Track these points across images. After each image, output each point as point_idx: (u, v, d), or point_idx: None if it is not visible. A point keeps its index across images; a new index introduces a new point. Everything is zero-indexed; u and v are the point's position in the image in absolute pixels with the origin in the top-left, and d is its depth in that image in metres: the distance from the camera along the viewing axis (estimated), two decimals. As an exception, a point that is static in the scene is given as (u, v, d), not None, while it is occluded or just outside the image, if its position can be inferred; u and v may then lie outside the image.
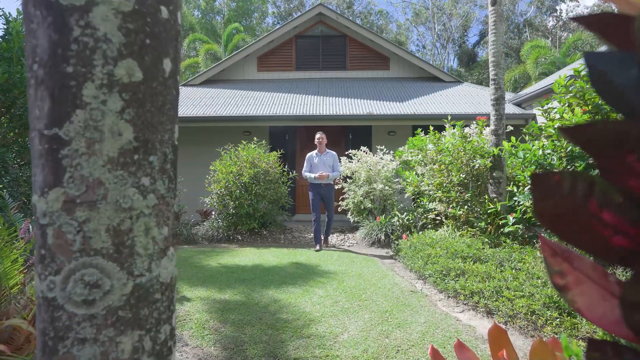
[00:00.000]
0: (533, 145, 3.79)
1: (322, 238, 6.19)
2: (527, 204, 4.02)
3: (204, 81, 11.26)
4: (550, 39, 30.75)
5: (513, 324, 3.10)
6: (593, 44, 21.07)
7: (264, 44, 11.10)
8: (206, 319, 3.23)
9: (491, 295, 3.40)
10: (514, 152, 3.89)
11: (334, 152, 6.23)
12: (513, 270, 3.71)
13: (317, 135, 6.18)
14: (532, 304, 3.07)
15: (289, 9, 32.27)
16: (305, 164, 6.22)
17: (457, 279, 3.89)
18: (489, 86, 16.34)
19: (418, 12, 34.36)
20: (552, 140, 3.79)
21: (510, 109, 8.82)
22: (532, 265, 3.65)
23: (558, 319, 2.90)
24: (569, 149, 3.59)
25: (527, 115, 8.63)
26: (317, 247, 5.99)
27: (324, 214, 6.50)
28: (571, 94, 3.58)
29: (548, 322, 2.92)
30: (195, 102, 9.78)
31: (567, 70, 8.88)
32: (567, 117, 3.90)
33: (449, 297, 3.82)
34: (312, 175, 6.01)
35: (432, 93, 10.09)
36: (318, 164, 6.06)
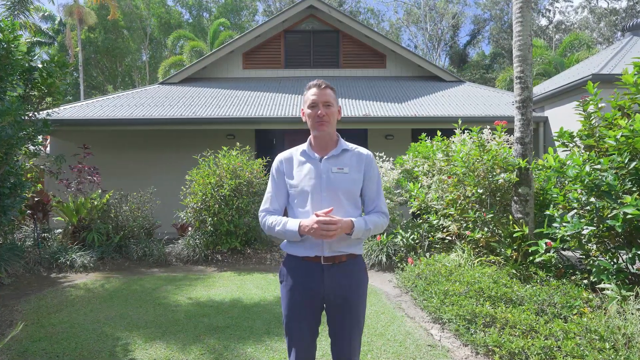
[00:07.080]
0: (585, 161, 2.98)
1: None
2: (570, 232, 3.20)
3: (184, 79, 10.30)
4: (542, 38, 30.31)
5: (577, 408, 2.29)
6: (590, 44, 20.63)
7: (250, 39, 10.20)
8: (157, 402, 2.35)
9: (539, 360, 2.58)
10: (561, 169, 3.07)
11: (364, 151, 1.86)
12: (560, 320, 2.91)
13: (312, 96, 1.88)
14: (601, 380, 2.26)
15: (280, 7, 31.33)
16: (268, 187, 1.85)
17: (486, 329, 3.07)
18: (486, 86, 15.48)
19: (409, 12, 33.67)
20: (609, 154, 2.99)
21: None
22: (590, 317, 2.84)
23: (645, 408, 2.09)
24: (632, 165, 2.79)
25: (538, 118, 7.88)
26: None
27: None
28: (642, 95, 2.79)
29: (631, 412, 2.11)
30: (173, 102, 8.84)
31: (582, 70, 8.14)
32: (623, 124, 3.10)
33: (477, 353, 3.00)
34: (292, 227, 1.66)
35: (432, 93, 9.30)
36: (311, 191, 1.71)
